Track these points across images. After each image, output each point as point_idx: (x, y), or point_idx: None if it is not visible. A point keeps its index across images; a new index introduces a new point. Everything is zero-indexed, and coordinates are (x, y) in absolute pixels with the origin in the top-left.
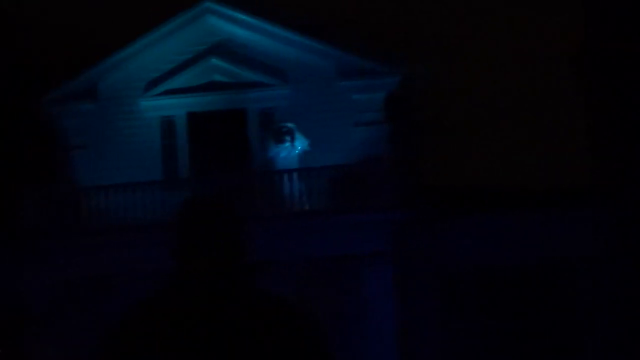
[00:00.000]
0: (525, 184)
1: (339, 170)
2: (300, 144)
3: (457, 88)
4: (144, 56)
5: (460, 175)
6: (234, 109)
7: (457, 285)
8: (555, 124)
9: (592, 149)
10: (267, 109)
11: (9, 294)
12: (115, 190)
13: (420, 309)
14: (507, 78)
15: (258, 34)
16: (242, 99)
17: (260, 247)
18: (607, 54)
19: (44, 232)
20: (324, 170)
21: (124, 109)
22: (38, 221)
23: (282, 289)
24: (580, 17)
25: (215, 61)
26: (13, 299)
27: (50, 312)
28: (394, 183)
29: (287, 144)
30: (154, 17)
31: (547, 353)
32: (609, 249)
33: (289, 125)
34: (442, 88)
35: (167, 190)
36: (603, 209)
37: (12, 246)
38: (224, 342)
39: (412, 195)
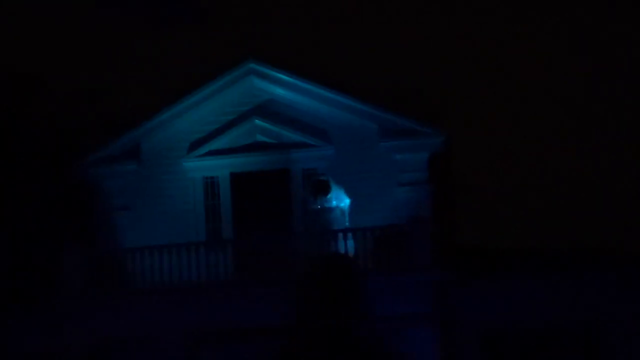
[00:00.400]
0: (553, 243)
1: (382, 230)
2: (337, 199)
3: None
4: (187, 117)
5: (490, 236)
6: (277, 169)
7: (497, 347)
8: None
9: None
10: (310, 169)
11: (51, 355)
12: (159, 251)
13: None
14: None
15: (301, 94)
16: (285, 159)
17: None
18: None
19: (85, 293)
20: (367, 230)
21: (167, 169)
22: (80, 282)
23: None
24: None
25: (258, 122)
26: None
27: None
28: (434, 243)
29: (329, 196)
30: (197, 78)
31: None
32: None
33: (325, 177)
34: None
35: (210, 250)
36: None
37: (54, 307)
38: None
39: (450, 255)
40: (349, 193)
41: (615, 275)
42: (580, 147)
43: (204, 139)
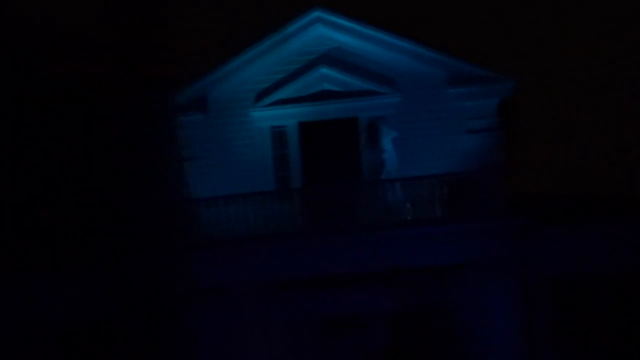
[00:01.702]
0: (620, 191)
1: (453, 177)
2: (388, 142)
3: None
4: (254, 66)
5: (554, 183)
6: (345, 117)
7: (569, 294)
8: None
9: None
10: (378, 117)
11: (126, 305)
12: (227, 202)
13: (536, 316)
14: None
15: (367, 42)
16: (353, 108)
17: (380, 256)
18: None
19: (160, 244)
20: (437, 178)
21: (234, 119)
22: (151, 233)
23: (402, 298)
24: None
25: (325, 70)
26: (129, 310)
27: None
28: (506, 190)
29: (383, 143)
30: (262, 28)
31: None
32: None
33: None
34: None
35: (279, 200)
36: None
37: (129, 258)
38: None
39: (520, 202)
40: (417, 141)
41: None
42: None
43: (270, 89)
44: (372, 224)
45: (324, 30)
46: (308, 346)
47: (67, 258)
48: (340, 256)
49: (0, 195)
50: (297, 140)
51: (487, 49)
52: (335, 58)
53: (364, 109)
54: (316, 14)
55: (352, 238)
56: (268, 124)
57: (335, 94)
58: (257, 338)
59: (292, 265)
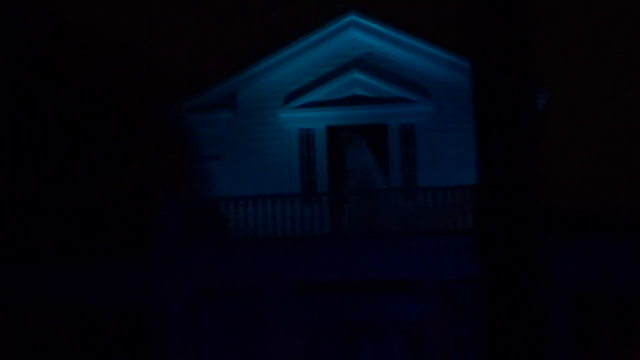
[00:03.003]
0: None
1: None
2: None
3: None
4: (285, 67)
5: (570, 198)
6: (374, 124)
7: (588, 312)
8: None
9: None
10: (408, 125)
11: (144, 303)
12: (254, 202)
13: (552, 333)
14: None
15: (400, 48)
16: (383, 114)
17: (405, 264)
18: None
19: (181, 241)
20: (465, 188)
21: (262, 119)
22: (175, 230)
23: (433, 308)
24: None
25: (357, 75)
26: (147, 307)
27: (185, 322)
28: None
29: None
30: (295, 29)
31: None
32: None
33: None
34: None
35: (305, 203)
36: None
37: (150, 255)
38: None
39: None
40: (447, 151)
41: None
42: None
43: (300, 91)
44: (398, 231)
45: (357, 35)
46: (326, 351)
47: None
48: (365, 262)
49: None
50: (325, 143)
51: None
52: (367, 63)
53: (394, 116)
54: (350, 17)
55: (377, 244)
56: (296, 126)
57: (365, 99)
58: (277, 339)
59: (315, 268)
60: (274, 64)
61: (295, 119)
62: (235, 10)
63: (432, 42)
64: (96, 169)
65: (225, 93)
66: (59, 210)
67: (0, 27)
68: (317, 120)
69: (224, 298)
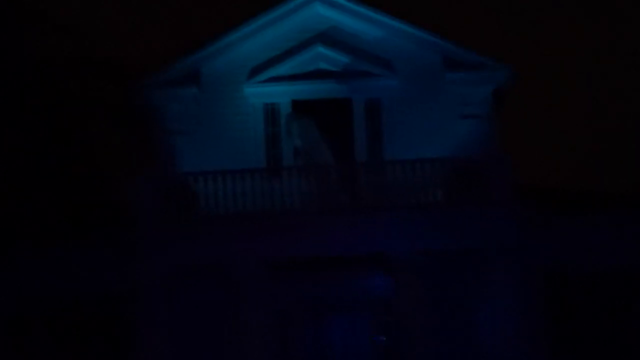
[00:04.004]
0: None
1: (455, 162)
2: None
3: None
4: (249, 42)
5: (546, 175)
6: (339, 97)
7: (563, 286)
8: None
9: None
10: (373, 99)
11: (121, 285)
12: (223, 177)
13: (531, 308)
14: None
15: (366, 22)
16: (348, 88)
17: (376, 239)
18: None
19: (156, 220)
20: (438, 161)
21: (227, 95)
22: (149, 208)
23: (403, 282)
24: None
25: (321, 49)
26: (124, 289)
27: (162, 300)
28: (510, 178)
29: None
30: (261, 4)
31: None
32: None
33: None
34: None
35: (271, 178)
36: None
37: (124, 236)
38: None
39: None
40: (412, 125)
41: None
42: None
43: (265, 65)
44: (368, 205)
45: (321, 9)
46: (297, 327)
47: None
48: (334, 237)
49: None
50: None
51: (485, 36)
52: (331, 37)
53: (359, 90)
54: None
55: (346, 219)
56: (261, 101)
57: (330, 73)
58: (250, 315)
59: (285, 244)
60: (238, 39)
61: (260, 93)
62: None
63: (397, 17)
64: (63, 154)
65: (189, 69)
66: (29, 198)
67: None
68: (282, 94)
69: (199, 276)
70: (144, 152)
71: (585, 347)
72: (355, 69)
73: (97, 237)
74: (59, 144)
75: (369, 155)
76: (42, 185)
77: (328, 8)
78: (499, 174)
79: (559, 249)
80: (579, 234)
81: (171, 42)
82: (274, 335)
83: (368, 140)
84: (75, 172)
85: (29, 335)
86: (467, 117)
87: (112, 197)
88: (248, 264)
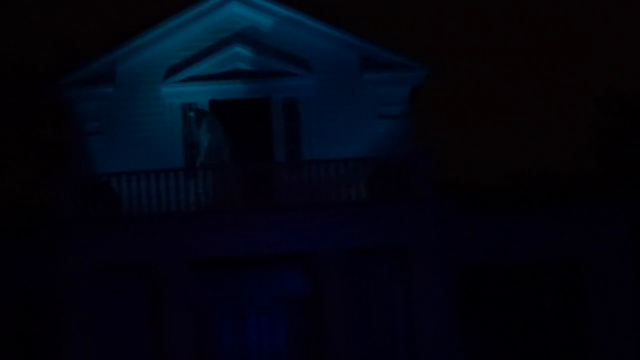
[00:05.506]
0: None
1: (376, 161)
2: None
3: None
4: (166, 42)
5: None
6: (258, 97)
7: (481, 280)
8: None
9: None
10: (291, 98)
11: (42, 282)
12: (136, 177)
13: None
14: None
15: (282, 22)
16: (266, 88)
17: (298, 238)
18: None
19: (77, 219)
20: (359, 160)
21: (143, 94)
22: (71, 208)
23: (326, 280)
24: None
25: (238, 49)
26: (46, 286)
27: (83, 299)
28: (431, 175)
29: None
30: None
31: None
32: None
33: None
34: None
35: (189, 178)
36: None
37: (47, 233)
38: None
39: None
40: (330, 124)
41: (599, 212)
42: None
43: (182, 65)
44: (288, 203)
45: (238, 9)
46: (217, 326)
47: None
48: (254, 237)
49: None
50: None
51: (403, 37)
52: (249, 37)
53: (277, 90)
54: None
55: (267, 218)
56: (179, 100)
57: (248, 73)
58: (171, 315)
59: (205, 244)
60: (154, 38)
61: (178, 93)
62: None
63: (313, 16)
64: None
65: (104, 68)
66: None
67: None
68: (200, 94)
69: (120, 275)
70: (63, 152)
71: (498, 335)
72: (272, 69)
73: (15, 236)
74: None
75: (288, 155)
76: None
77: (245, 7)
78: (420, 171)
79: (479, 244)
80: (500, 230)
81: (88, 40)
82: (194, 334)
83: (287, 140)
84: None
85: None
86: (385, 117)
87: (32, 198)
88: (168, 263)
